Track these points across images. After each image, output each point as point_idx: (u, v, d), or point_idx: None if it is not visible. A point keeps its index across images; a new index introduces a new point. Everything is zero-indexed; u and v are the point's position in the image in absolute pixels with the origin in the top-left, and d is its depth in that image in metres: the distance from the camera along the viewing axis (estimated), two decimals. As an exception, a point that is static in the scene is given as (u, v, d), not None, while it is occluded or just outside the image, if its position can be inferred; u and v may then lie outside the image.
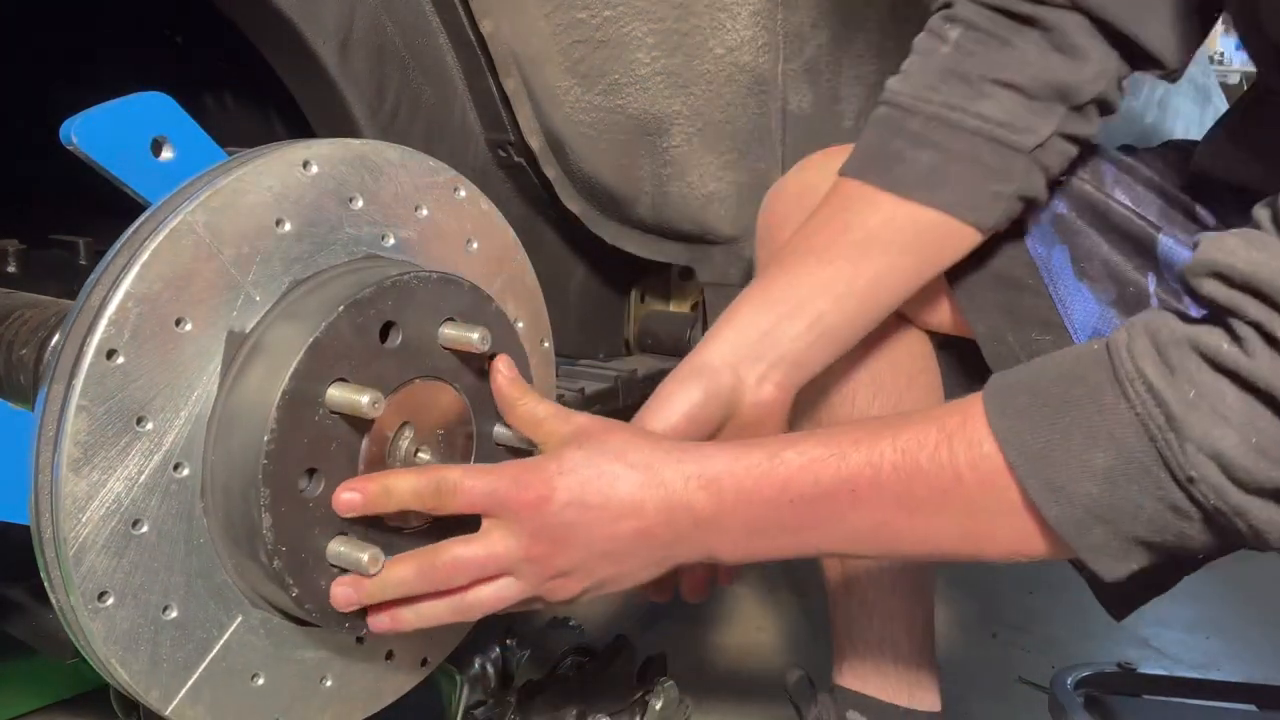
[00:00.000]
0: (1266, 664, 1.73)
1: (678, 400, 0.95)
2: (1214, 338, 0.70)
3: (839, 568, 1.20)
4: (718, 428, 0.96)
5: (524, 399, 0.86)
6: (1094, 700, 1.54)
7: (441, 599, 0.81)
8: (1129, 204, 1.03)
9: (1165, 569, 1.07)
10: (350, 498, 0.79)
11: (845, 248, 0.99)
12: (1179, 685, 1.63)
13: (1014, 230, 1.03)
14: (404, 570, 0.80)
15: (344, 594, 0.79)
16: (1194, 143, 1.09)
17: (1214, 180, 1.04)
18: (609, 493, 0.79)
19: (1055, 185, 1.04)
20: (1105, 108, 1.01)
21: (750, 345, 0.97)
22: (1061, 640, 1.77)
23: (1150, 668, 1.65)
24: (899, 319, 1.11)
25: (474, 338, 0.82)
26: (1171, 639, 1.78)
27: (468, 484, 0.79)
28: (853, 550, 0.84)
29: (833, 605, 1.22)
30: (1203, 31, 0.99)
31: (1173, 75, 1.02)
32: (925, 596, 1.21)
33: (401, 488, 0.79)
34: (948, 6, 1.03)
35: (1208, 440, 0.68)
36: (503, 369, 0.86)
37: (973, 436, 0.76)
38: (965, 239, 1.00)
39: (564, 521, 0.79)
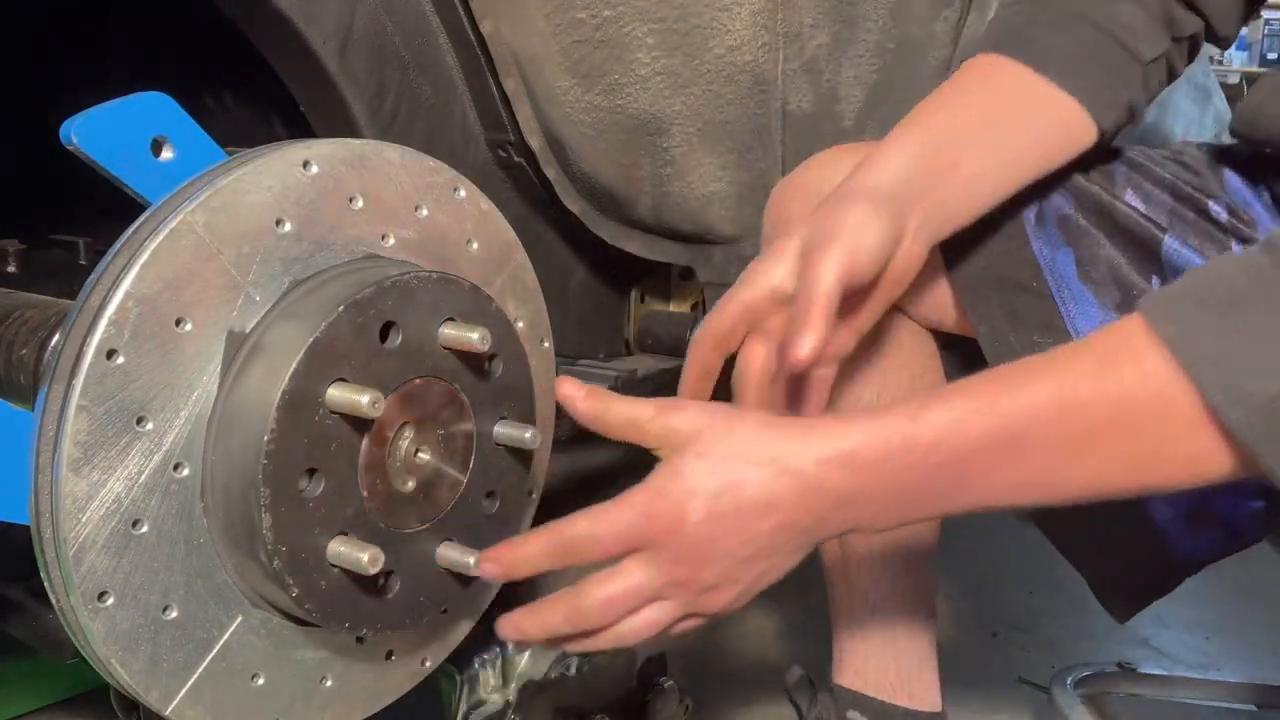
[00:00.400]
0: (1266, 664, 1.73)
1: (869, 233, 0.87)
2: None
3: (841, 567, 1.20)
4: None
5: (614, 406, 0.82)
6: (1094, 700, 1.54)
7: (599, 635, 0.80)
8: (1137, 205, 1.03)
9: (1168, 570, 1.07)
10: (491, 568, 0.80)
11: (994, 110, 0.98)
12: (1178, 685, 1.63)
13: (1018, 231, 1.03)
14: (553, 617, 0.79)
15: (508, 632, 0.81)
16: (1210, 145, 1.10)
17: (1257, 141, 1.04)
18: (741, 499, 0.76)
19: (1061, 182, 1.04)
20: (1192, 51, 1.03)
21: (914, 189, 0.92)
22: (1061, 640, 1.77)
23: (1150, 668, 1.65)
24: (903, 318, 1.10)
25: (474, 338, 0.82)
26: (1171, 639, 1.78)
27: (599, 532, 0.77)
28: (1012, 502, 0.78)
29: (834, 605, 1.22)
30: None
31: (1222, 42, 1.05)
32: (927, 598, 1.21)
33: (535, 553, 0.79)
34: None
35: None
36: (568, 389, 0.83)
37: (1136, 353, 0.71)
38: (1086, 136, 0.99)
39: (701, 539, 0.76)
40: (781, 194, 1.15)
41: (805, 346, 0.81)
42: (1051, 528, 1.11)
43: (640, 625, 0.79)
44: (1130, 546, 1.07)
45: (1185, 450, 0.72)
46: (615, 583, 0.78)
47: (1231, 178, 1.06)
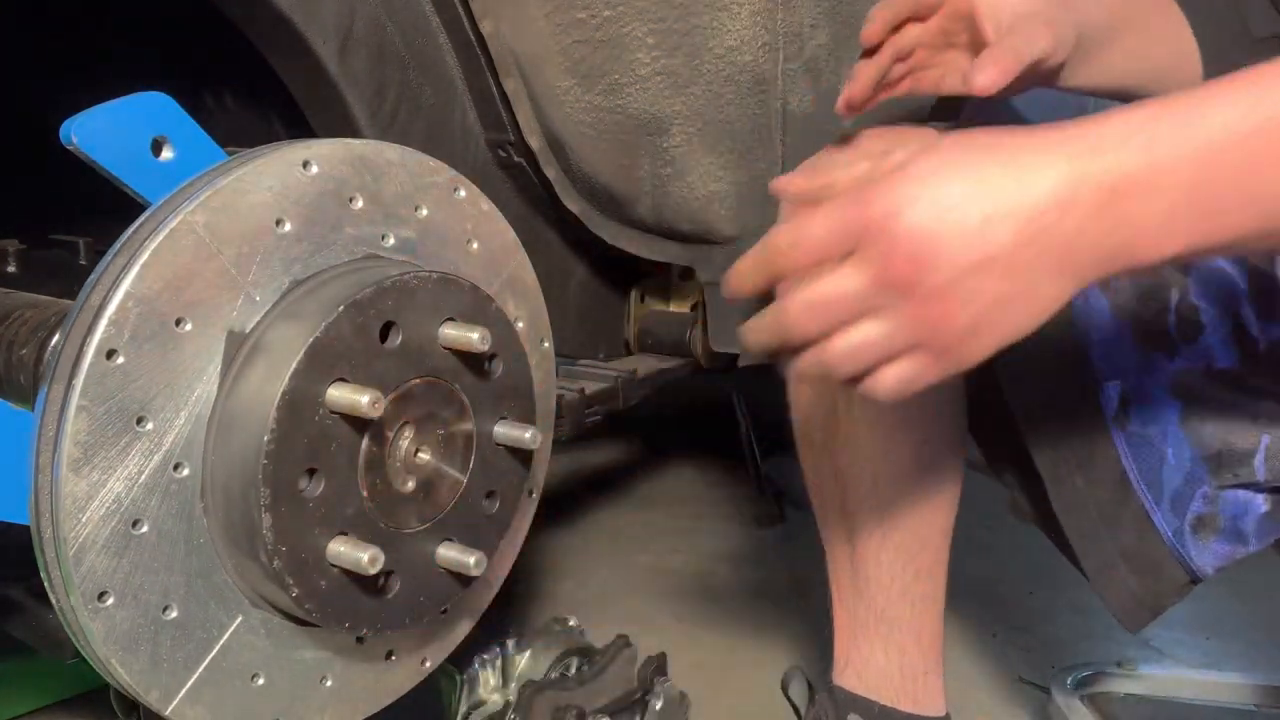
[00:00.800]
0: (1266, 664, 1.73)
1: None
2: None
3: (849, 572, 1.18)
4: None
5: (825, 181, 0.74)
6: (1094, 699, 1.54)
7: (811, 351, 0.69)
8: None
9: (1177, 579, 1.07)
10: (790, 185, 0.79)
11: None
12: (1179, 685, 1.63)
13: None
14: (759, 321, 0.70)
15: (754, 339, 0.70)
16: None
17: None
18: (975, 187, 0.63)
19: None
20: None
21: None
22: (1061, 640, 1.77)
23: (1150, 668, 1.65)
24: None
25: (474, 338, 0.82)
26: (1171, 639, 1.78)
27: (807, 226, 0.65)
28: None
29: (838, 606, 1.21)
30: None
31: None
32: (936, 604, 1.19)
33: (747, 268, 0.70)
34: None
35: None
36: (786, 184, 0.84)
37: None
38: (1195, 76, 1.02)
39: (923, 233, 0.63)
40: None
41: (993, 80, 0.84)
42: (1061, 539, 1.11)
43: (855, 343, 0.67)
44: (1139, 557, 1.07)
45: None
46: (821, 284, 0.66)
47: None
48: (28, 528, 0.74)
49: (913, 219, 0.63)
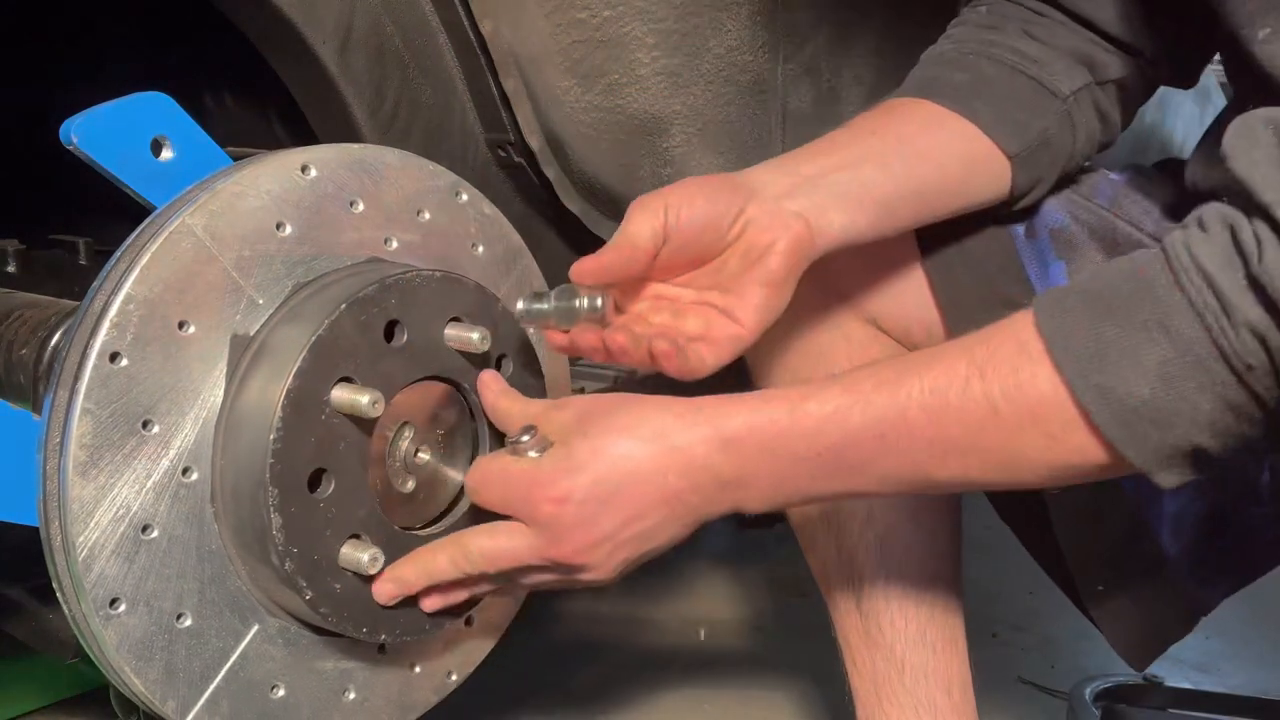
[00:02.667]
0: (1267, 665, 1.73)
1: (697, 202, 0.88)
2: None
3: (858, 625, 1.12)
4: (723, 240, 0.89)
5: (510, 405, 0.84)
6: (1113, 712, 1.50)
7: (478, 585, 0.83)
8: (1129, 219, 1.02)
9: (1183, 615, 1.06)
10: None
11: (892, 130, 0.97)
12: (1203, 700, 1.58)
13: (1006, 247, 1.02)
14: (438, 560, 0.80)
15: (387, 590, 0.80)
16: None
17: (1203, 194, 1.03)
18: (625, 478, 0.78)
19: (1060, 190, 1.03)
20: (1126, 99, 1.02)
21: (790, 179, 0.91)
22: (1061, 640, 1.77)
23: (1174, 680, 1.61)
24: (897, 348, 1.08)
25: (474, 338, 0.82)
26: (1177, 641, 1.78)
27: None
28: (885, 492, 0.82)
29: (852, 671, 1.13)
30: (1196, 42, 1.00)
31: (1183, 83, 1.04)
32: (958, 647, 1.12)
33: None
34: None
35: (1262, 324, 0.66)
36: (488, 378, 0.85)
37: (1004, 365, 0.74)
38: (995, 161, 0.98)
39: (585, 517, 0.77)
40: None
41: (583, 270, 0.85)
42: (1067, 583, 1.09)
43: (525, 581, 0.82)
44: (1148, 599, 1.06)
45: (1054, 451, 0.74)
46: (497, 540, 0.79)
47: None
48: (28, 528, 0.74)
49: (577, 508, 0.77)
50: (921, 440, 0.76)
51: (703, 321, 0.88)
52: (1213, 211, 0.71)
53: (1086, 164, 1.06)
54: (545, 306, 0.86)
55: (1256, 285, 0.66)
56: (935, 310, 1.05)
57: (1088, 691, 1.53)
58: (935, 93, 0.98)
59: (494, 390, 0.85)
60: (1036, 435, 0.74)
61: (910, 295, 1.06)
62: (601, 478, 0.77)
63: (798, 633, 1.78)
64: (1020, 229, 1.04)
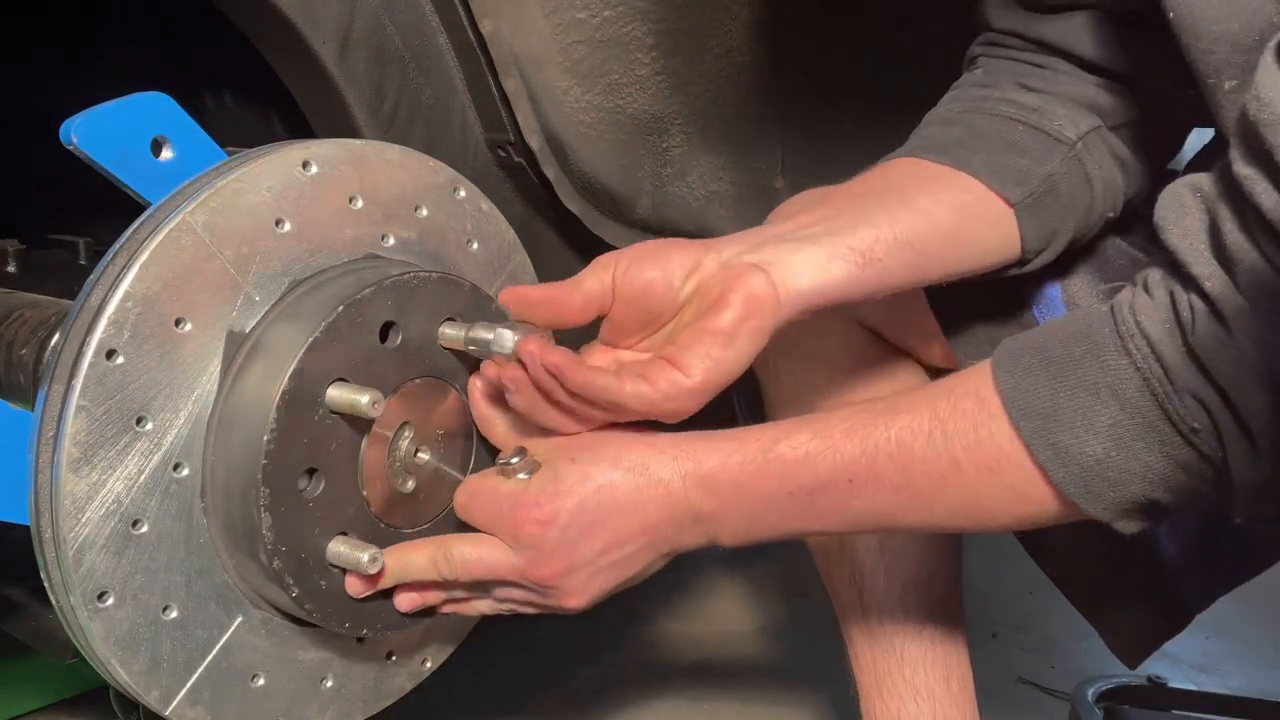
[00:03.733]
0: (1267, 665, 1.73)
1: (650, 258, 0.87)
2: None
3: (860, 620, 1.13)
4: (676, 298, 0.85)
5: (498, 421, 0.85)
6: (1115, 713, 1.49)
7: (451, 590, 0.84)
8: (1122, 238, 1.01)
9: (1178, 613, 1.06)
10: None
11: (875, 186, 0.92)
12: (1206, 701, 1.57)
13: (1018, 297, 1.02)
14: (419, 558, 0.81)
15: (355, 582, 0.81)
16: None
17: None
18: (608, 507, 0.80)
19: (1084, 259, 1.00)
20: (1149, 143, 0.97)
21: (755, 238, 0.87)
22: (1061, 640, 1.77)
23: (1177, 681, 1.60)
24: (895, 353, 1.09)
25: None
26: (1171, 639, 1.78)
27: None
28: (856, 530, 0.86)
29: (856, 664, 1.15)
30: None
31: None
32: (957, 643, 1.13)
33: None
34: (974, 62, 1.04)
35: (1203, 391, 0.68)
36: (479, 384, 0.85)
37: (964, 420, 0.77)
38: (993, 209, 0.91)
39: (567, 541, 0.80)
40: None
41: (508, 294, 0.86)
42: (1063, 581, 1.10)
43: (499, 595, 0.84)
44: (1144, 598, 1.06)
45: (1015, 503, 0.78)
46: (479, 550, 0.81)
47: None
48: (28, 528, 0.74)
49: (560, 531, 0.79)
50: (888, 487, 0.79)
51: (648, 369, 0.82)
52: (1156, 276, 0.73)
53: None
54: (459, 333, 0.82)
55: (1193, 355, 0.69)
56: (932, 316, 1.05)
57: (1090, 692, 1.52)
58: (926, 149, 0.94)
59: (482, 391, 0.86)
60: (997, 488, 0.77)
61: (910, 308, 1.05)
62: (586, 505, 0.80)
63: (798, 633, 1.78)
64: None
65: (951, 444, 0.77)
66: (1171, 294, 0.71)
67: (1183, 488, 0.74)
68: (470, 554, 0.81)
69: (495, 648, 1.56)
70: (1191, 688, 1.61)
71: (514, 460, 0.82)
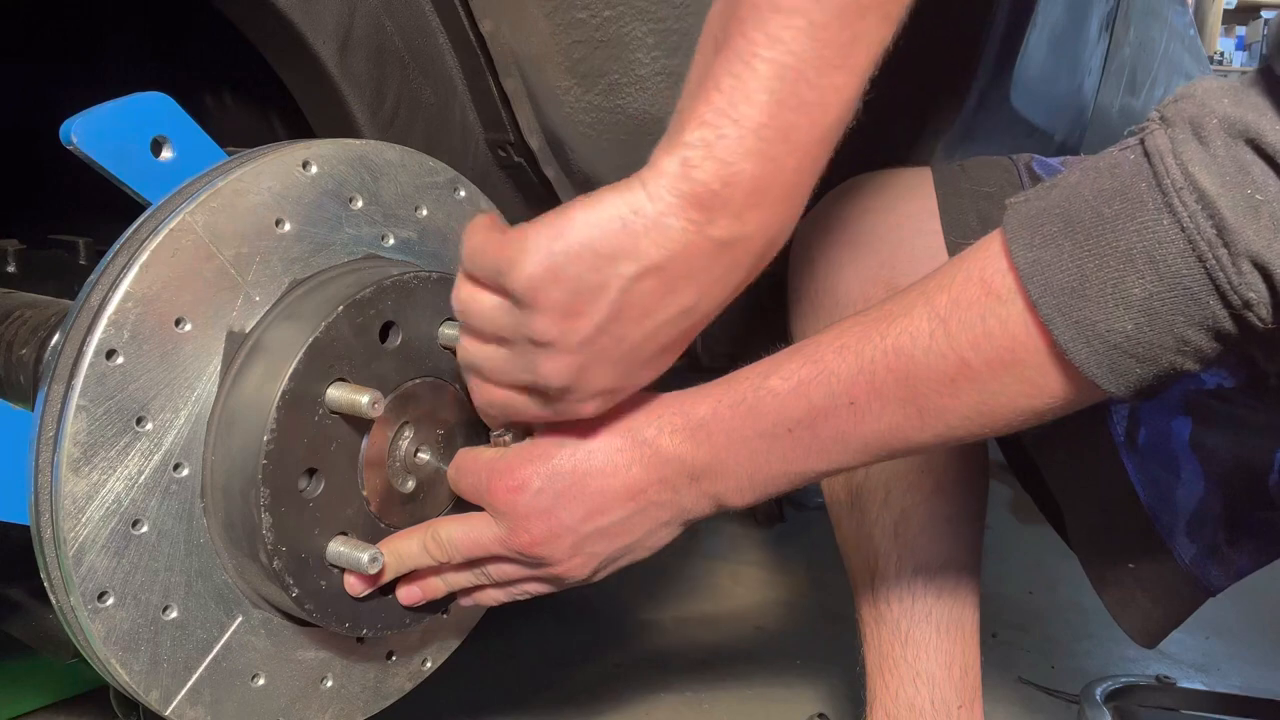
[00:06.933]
0: (1267, 665, 1.73)
1: None
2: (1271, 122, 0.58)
3: (869, 595, 1.13)
4: None
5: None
6: (1124, 713, 1.49)
7: (462, 569, 0.82)
8: None
9: (1191, 595, 1.05)
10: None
11: None
12: (1215, 701, 1.57)
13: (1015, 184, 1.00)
14: (409, 545, 0.81)
15: (354, 581, 0.80)
16: None
17: None
18: (585, 469, 0.76)
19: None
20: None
21: None
22: (1061, 640, 1.77)
23: (1187, 682, 1.59)
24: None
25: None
26: (1171, 638, 1.77)
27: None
28: (870, 460, 0.78)
29: (863, 639, 1.15)
30: None
31: None
32: (965, 630, 1.12)
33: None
34: None
35: (1269, 252, 0.59)
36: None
37: (969, 312, 0.69)
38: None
39: (541, 507, 0.77)
40: (813, 231, 1.09)
41: None
42: (1085, 559, 1.08)
43: (493, 591, 0.82)
44: (1158, 584, 1.05)
45: (1029, 391, 0.70)
46: (461, 526, 0.79)
47: None
48: (27, 528, 0.74)
49: (533, 496, 0.76)
50: (893, 403, 0.72)
51: None
52: (1212, 118, 0.61)
53: None
54: (458, 334, 0.81)
55: (1259, 211, 0.59)
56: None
57: (1099, 692, 1.52)
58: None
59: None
60: (1011, 381, 0.70)
61: (933, 260, 1.05)
62: (559, 469, 0.76)
63: (798, 632, 1.78)
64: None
65: (957, 342, 0.69)
66: (1251, 141, 0.60)
67: (1213, 356, 0.65)
68: (456, 531, 0.79)
69: (495, 648, 1.56)
70: (1201, 687, 1.61)
71: (505, 435, 0.81)
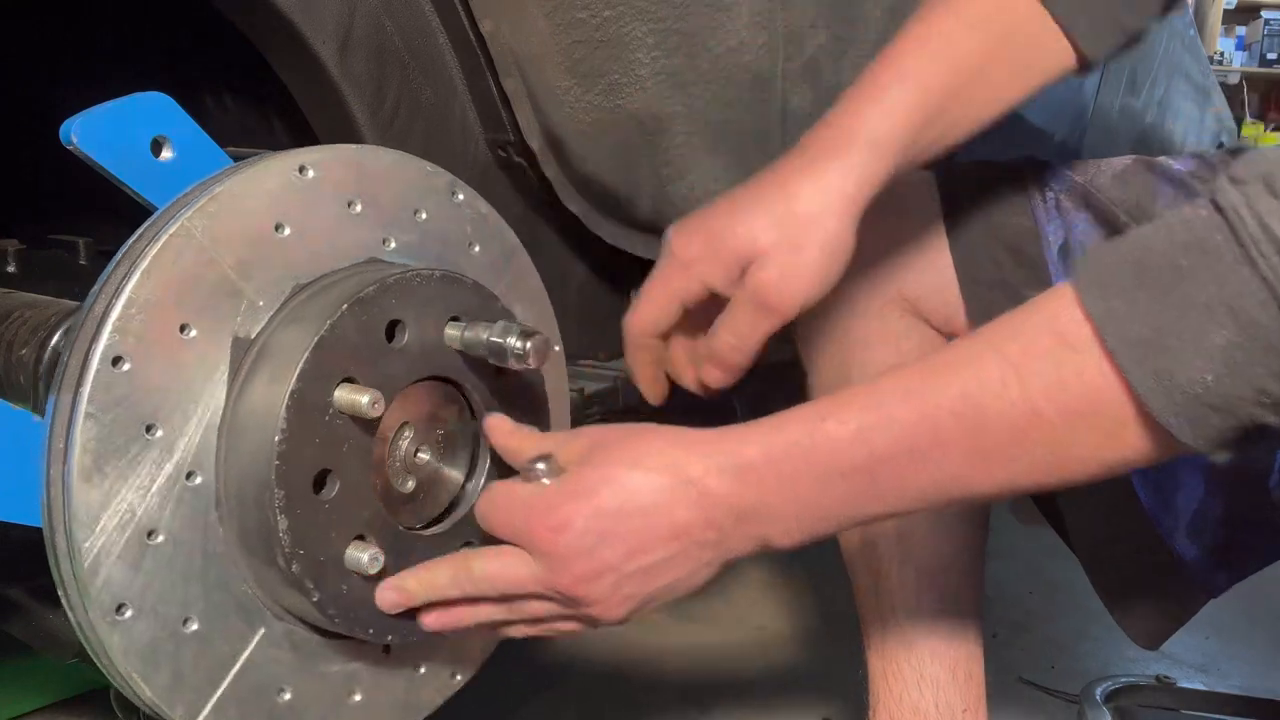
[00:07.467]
0: (1266, 665, 1.73)
1: (829, 277, 0.88)
2: None
3: (874, 601, 1.13)
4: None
5: (520, 443, 0.82)
6: (1124, 713, 1.49)
7: (493, 604, 0.80)
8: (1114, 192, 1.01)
9: (1194, 597, 1.05)
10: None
11: (988, 58, 0.91)
12: (1215, 701, 1.57)
13: (1020, 200, 1.01)
14: (440, 576, 0.79)
15: (389, 597, 0.79)
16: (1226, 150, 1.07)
17: None
18: (630, 507, 0.74)
19: (1087, 203, 1.01)
20: None
21: (903, 169, 0.89)
22: (1062, 640, 1.77)
23: (1187, 682, 1.60)
24: (925, 326, 1.08)
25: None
26: (1170, 639, 1.78)
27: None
28: (929, 507, 0.76)
29: (867, 645, 1.15)
30: None
31: None
32: (968, 634, 1.12)
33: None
34: None
35: None
36: (494, 422, 0.84)
37: (1042, 360, 0.68)
38: (1071, 67, 0.92)
39: (585, 547, 0.75)
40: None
41: (714, 382, 0.87)
42: (1087, 562, 1.09)
43: (530, 610, 0.79)
44: (1160, 587, 1.05)
45: (1105, 446, 0.69)
46: (498, 562, 0.77)
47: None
48: (29, 528, 0.74)
49: (577, 536, 0.74)
50: (957, 453, 0.71)
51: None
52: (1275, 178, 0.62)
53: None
54: (464, 333, 0.83)
55: None
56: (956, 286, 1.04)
57: (1099, 692, 1.52)
58: None
59: (503, 431, 0.83)
60: (1085, 432, 0.69)
61: (950, 283, 1.05)
62: (603, 509, 0.74)
63: (798, 632, 1.78)
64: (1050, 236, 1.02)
65: (1029, 390, 0.68)
66: None
67: None
68: (490, 567, 0.77)
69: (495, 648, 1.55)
70: (1201, 687, 1.61)
71: (539, 465, 0.78)
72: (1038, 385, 0.68)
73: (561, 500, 0.75)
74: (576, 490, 0.75)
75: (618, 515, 0.74)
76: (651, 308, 0.93)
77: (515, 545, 0.77)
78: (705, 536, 0.75)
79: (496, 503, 0.79)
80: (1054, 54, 0.93)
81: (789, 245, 0.87)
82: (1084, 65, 0.92)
